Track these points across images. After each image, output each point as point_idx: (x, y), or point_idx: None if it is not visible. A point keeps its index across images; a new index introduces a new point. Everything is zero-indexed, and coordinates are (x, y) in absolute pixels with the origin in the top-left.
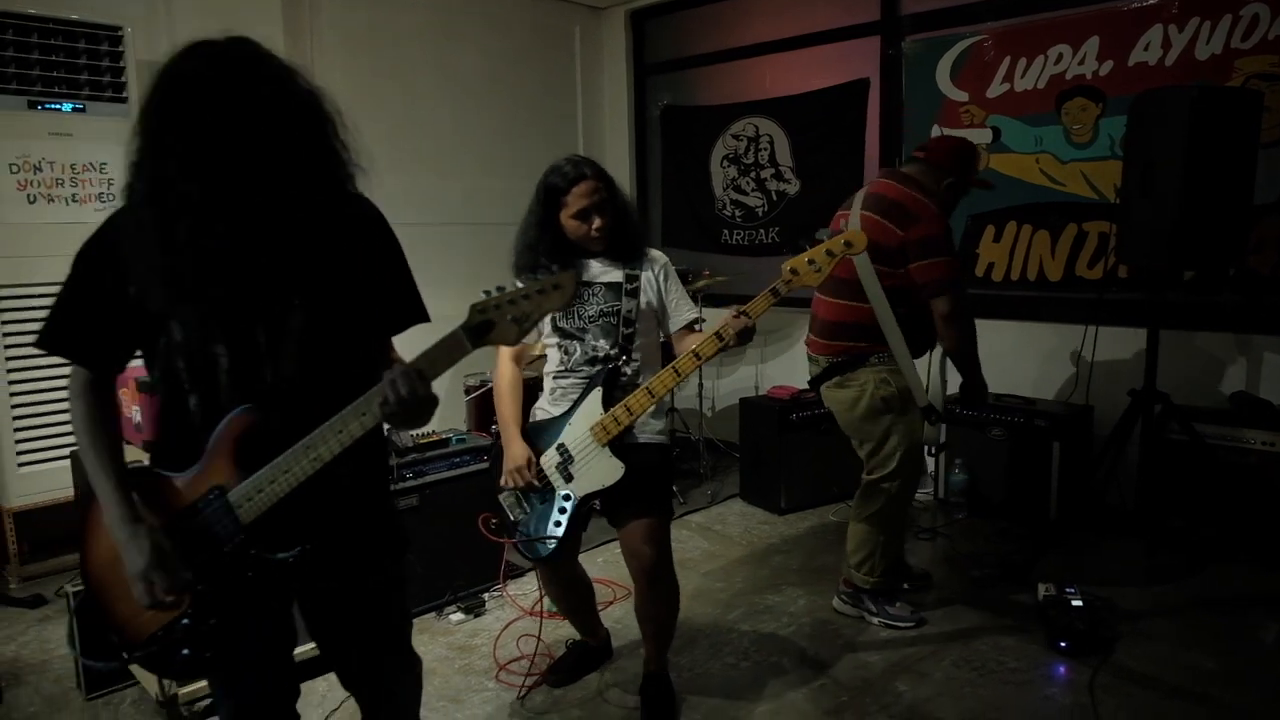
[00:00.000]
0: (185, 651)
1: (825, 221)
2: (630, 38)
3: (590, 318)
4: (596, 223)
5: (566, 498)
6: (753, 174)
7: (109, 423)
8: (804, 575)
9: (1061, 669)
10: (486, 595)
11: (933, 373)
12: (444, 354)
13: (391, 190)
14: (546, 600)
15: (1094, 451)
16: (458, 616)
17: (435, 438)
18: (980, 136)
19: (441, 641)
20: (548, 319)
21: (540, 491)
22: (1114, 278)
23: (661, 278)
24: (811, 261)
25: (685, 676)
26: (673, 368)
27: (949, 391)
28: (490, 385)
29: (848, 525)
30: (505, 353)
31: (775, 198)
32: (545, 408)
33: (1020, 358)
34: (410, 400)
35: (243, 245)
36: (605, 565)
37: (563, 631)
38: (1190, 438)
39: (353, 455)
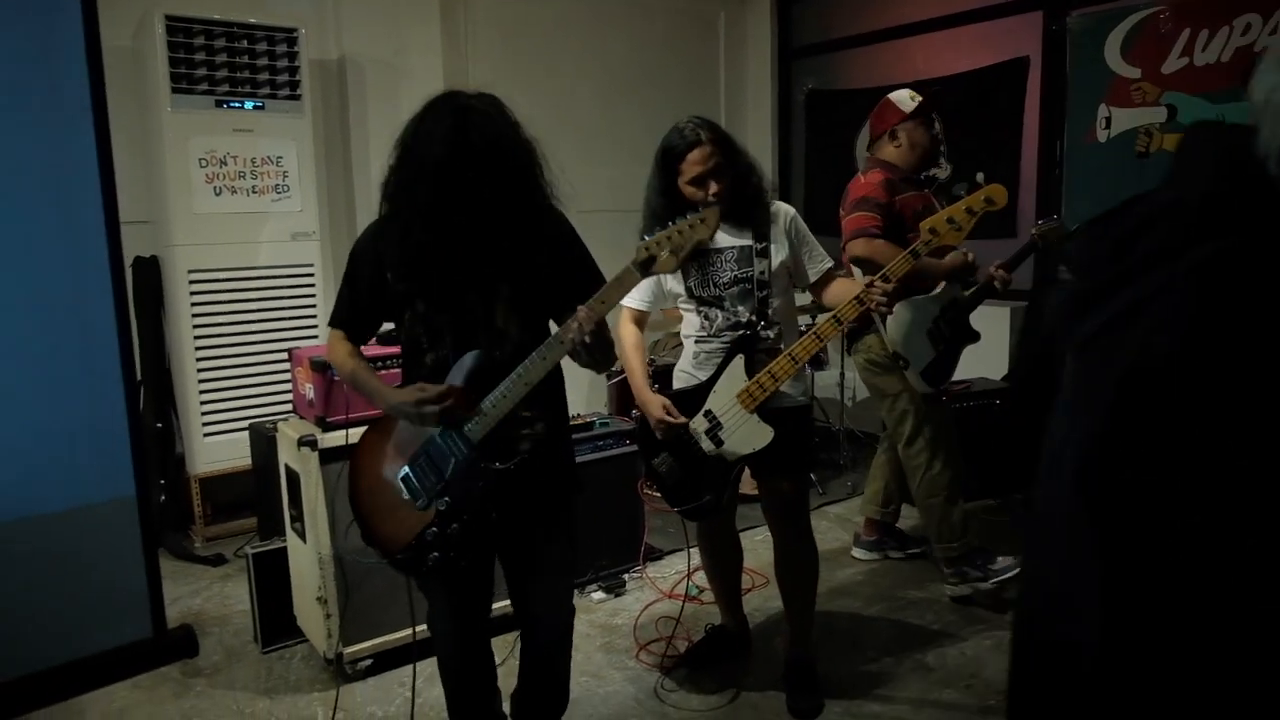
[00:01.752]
0: (435, 554)
1: None
2: (775, 22)
3: (725, 284)
4: (713, 188)
5: (719, 460)
6: None
7: (364, 359)
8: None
9: None
10: (627, 576)
11: (888, 321)
12: (616, 286)
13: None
14: (685, 584)
15: None
16: (599, 595)
17: (580, 420)
18: (1153, 116)
19: (584, 619)
20: (683, 286)
21: (692, 450)
22: None
23: (791, 232)
24: (951, 220)
25: (824, 670)
26: (814, 333)
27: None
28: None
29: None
30: (626, 315)
31: (924, 181)
32: (689, 370)
33: None
34: (591, 329)
35: (464, 249)
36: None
37: (699, 617)
38: None
39: (547, 405)
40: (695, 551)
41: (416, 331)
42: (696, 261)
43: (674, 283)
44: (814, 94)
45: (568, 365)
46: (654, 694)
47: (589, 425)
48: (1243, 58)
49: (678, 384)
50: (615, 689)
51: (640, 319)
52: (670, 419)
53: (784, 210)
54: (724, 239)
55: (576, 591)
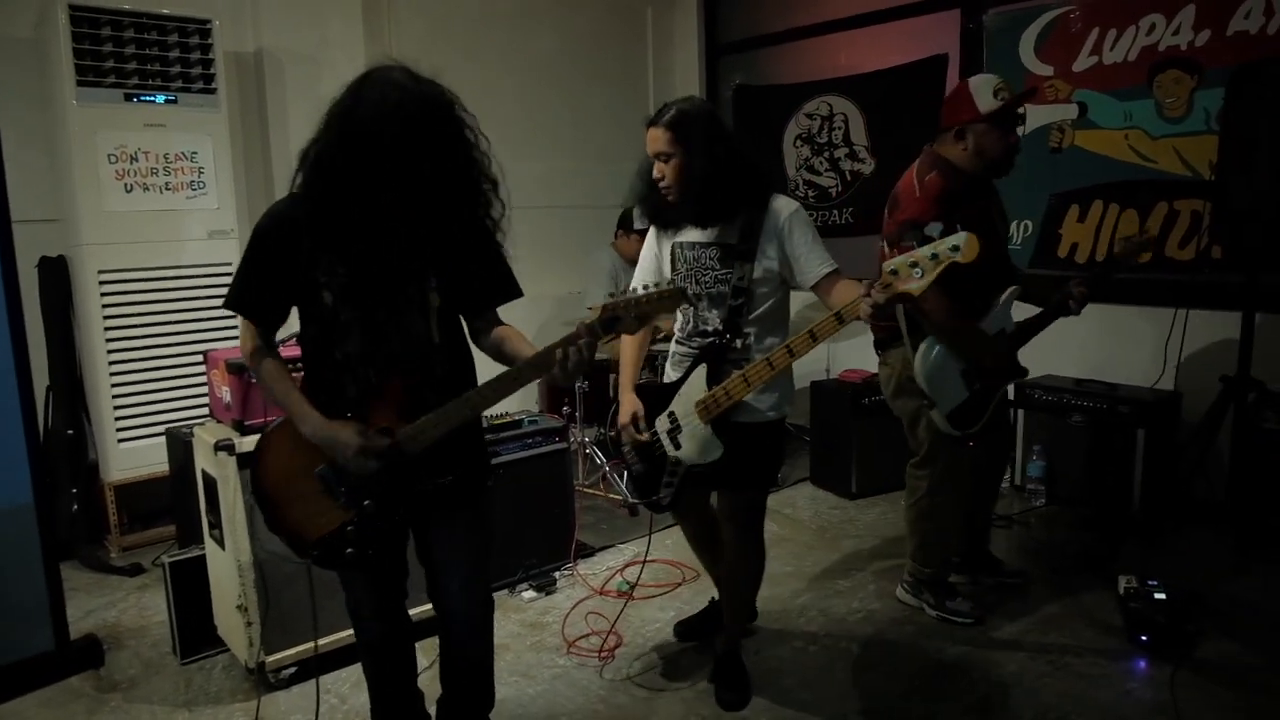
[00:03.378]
0: (350, 550)
1: None
2: (702, 17)
3: (706, 284)
4: (657, 172)
5: (675, 463)
6: (826, 154)
7: (283, 365)
8: (875, 561)
9: (1142, 664)
10: (558, 574)
11: (915, 358)
12: (590, 333)
13: None
14: (616, 580)
15: (1181, 440)
16: (530, 594)
17: (508, 419)
18: (1065, 112)
19: (514, 618)
20: (655, 274)
21: (654, 449)
22: (1207, 259)
23: (785, 232)
24: (914, 264)
25: (753, 659)
26: (787, 346)
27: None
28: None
29: None
30: None
31: (849, 178)
32: (668, 369)
33: (1104, 342)
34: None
35: (393, 236)
36: (675, 547)
37: (633, 613)
38: None
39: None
40: (625, 547)
41: (320, 325)
42: (683, 253)
43: (669, 269)
44: (741, 89)
45: (485, 357)
46: (585, 691)
47: (517, 423)
48: (1148, 56)
49: (666, 378)
50: (545, 687)
51: None
52: (634, 431)
53: (782, 207)
54: (705, 235)
55: (507, 591)
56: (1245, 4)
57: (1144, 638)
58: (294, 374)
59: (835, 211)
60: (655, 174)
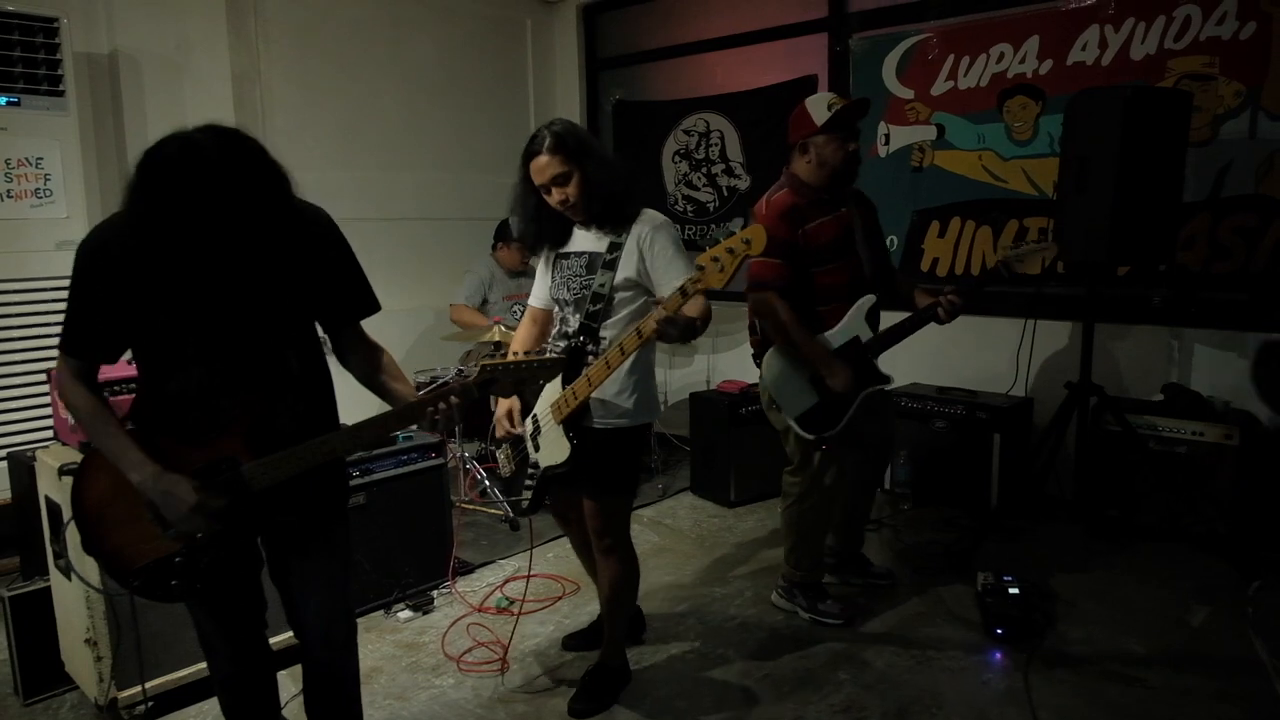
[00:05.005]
0: (174, 582)
1: None
2: (582, 31)
3: (574, 290)
4: (556, 196)
5: (535, 465)
6: (704, 169)
7: (105, 402)
8: (752, 568)
9: (998, 655)
10: (435, 592)
11: (761, 368)
12: (458, 392)
13: (341, 185)
14: (495, 597)
15: (1033, 442)
16: (406, 614)
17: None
18: (925, 134)
19: (389, 640)
20: (547, 286)
21: (522, 454)
22: (1052, 273)
23: (646, 243)
24: (716, 259)
25: (632, 668)
26: (604, 359)
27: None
28: (442, 381)
29: None
30: (526, 318)
31: (726, 193)
32: None
33: (963, 351)
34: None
35: (206, 271)
36: (556, 560)
37: (521, 628)
38: (1124, 428)
39: (318, 414)
40: (506, 563)
41: (158, 355)
42: (562, 260)
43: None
44: (621, 104)
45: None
46: (461, 711)
47: (392, 439)
48: (998, 83)
49: None
50: (420, 709)
51: (540, 316)
52: (507, 424)
53: (648, 221)
54: (582, 241)
55: (382, 613)
56: (1083, 36)
57: (999, 630)
58: (122, 397)
59: (713, 226)
60: (557, 197)
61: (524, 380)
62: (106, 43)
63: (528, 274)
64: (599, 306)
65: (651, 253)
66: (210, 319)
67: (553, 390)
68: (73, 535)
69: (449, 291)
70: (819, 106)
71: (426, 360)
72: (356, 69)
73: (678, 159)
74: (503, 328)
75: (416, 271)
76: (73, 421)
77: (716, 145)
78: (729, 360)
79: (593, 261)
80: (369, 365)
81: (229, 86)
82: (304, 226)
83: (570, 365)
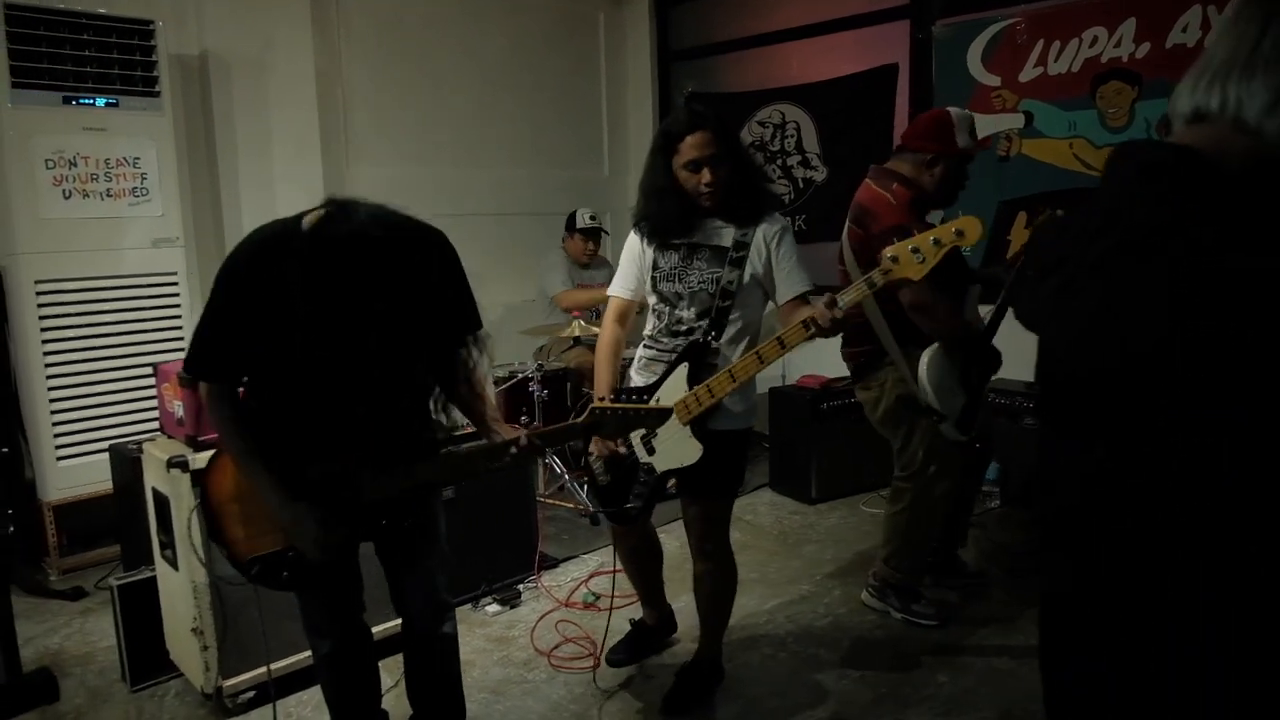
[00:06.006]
0: (286, 574)
1: None
2: (654, 24)
3: (691, 284)
4: (706, 176)
5: (649, 470)
6: (779, 161)
7: (243, 425)
8: (838, 565)
9: None
10: (521, 587)
11: (920, 375)
12: (560, 434)
13: (419, 181)
14: (581, 591)
15: None
16: (494, 608)
17: (469, 430)
18: (1013, 122)
19: (479, 634)
20: (649, 279)
21: (625, 459)
22: None
23: (774, 244)
24: (916, 250)
25: (725, 668)
26: (756, 352)
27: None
28: (520, 377)
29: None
30: (610, 314)
31: (802, 185)
32: (634, 375)
33: None
34: (524, 463)
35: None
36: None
37: (599, 622)
38: None
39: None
40: (589, 557)
41: (285, 380)
42: (669, 251)
43: (649, 273)
44: (693, 96)
45: None
46: (556, 706)
47: (477, 435)
48: (1091, 68)
49: (630, 384)
50: (514, 703)
51: (627, 309)
52: (611, 443)
53: (776, 222)
54: (709, 234)
55: (470, 606)
56: (1183, 18)
57: None
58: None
59: (789, 218)
60: (705, 178)
61: (629, 428)
62: (197, 44)
63: (593, 265)
64: (728, 303)
65: (778, 254)
66: (349, 353)
67: (674, 389)
68: (181, 526)
69: (520, 287)
70: (964, 128)
71: (500, 356)
72: (431, 65)
73: (753, 151)
74: (581, 323)
75: (490, 266)
76: (179, 416)
77: (793, 137)
78: (806, 355)
79: (716, 255)
80: (469, 399)
81: (313, 86)
82: (432, 255)
83: (691, 362)
